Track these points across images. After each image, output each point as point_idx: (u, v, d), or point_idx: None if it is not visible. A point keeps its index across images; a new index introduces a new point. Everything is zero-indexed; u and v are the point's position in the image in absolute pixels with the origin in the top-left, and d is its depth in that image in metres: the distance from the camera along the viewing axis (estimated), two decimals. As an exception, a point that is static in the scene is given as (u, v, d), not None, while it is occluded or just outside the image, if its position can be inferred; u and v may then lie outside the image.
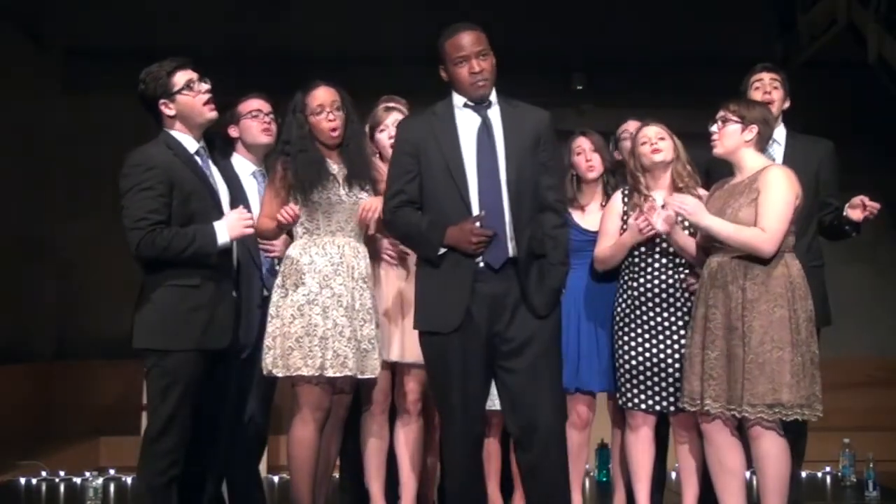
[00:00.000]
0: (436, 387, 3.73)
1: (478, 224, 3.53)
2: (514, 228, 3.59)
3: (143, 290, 3.65)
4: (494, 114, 3.68)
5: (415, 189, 3.66)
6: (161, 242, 3.54)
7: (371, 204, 3.88)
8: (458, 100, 3.70)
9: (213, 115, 3.74)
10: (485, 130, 3.65)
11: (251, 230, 3.70)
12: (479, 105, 3.67)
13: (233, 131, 4.31)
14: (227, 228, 3.62)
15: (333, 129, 3.92)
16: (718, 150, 3.94)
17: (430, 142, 3.65)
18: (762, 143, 3.95)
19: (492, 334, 3.59)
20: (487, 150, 3.63)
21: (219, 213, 3.69)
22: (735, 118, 3.88)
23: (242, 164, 4.31)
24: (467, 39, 3.62)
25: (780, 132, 4.41)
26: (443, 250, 3.58)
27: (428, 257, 3.66)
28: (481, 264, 3.59)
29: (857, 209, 4.15)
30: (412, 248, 3.86)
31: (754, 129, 3.88)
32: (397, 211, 3.69)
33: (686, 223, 4.03)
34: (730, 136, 3.90)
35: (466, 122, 3.67)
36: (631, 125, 4.50)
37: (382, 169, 4.06)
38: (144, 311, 3.61)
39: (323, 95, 3.92)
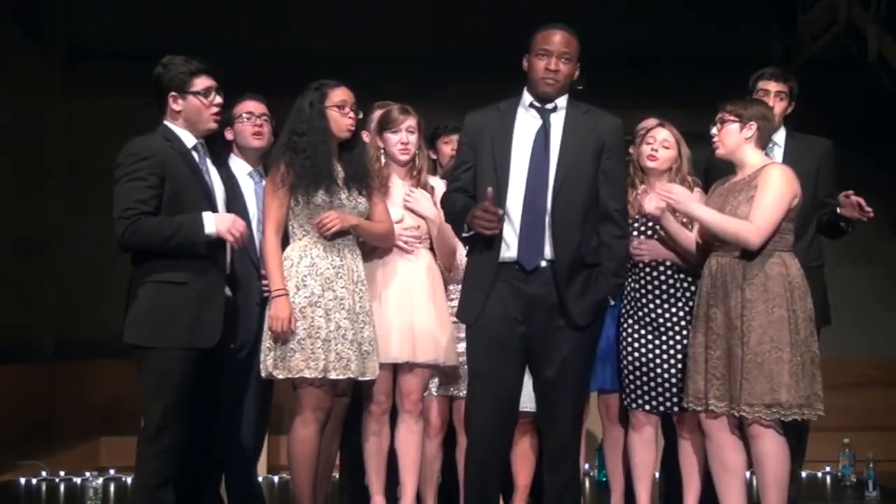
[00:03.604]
0: (468, 381, 3.80)
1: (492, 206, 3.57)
2: (554, 233, 3.61)
3: (131, 284, 3.65)
4: (558, 118, 3.71)
5: (469, 179, 3.74)
6: (145, 230, 3.53)
7: (331, 216, 3.84)
8: (525, 98, 3.74)
9: (215, 126, 3.79)
10: (543, 134, 3.68)
11: (240, 235, 3.64)
12: (544, 107, 3.70)
13: (228, 133, 4.32)
14: (216, 221, 3.60)
15: (350, 127, 3.95)
16: (720, 150, 3.95)
17: (486, 136, 3.71)
18: (763, 140, 3.96)
19: (527, 335, 3.64)
20: (541, 154, 3.66)
21: (211, 208, 3.69)
22: (732, 118, 3.89)
23: (239, 165, 4.32)
24: (558, 38, 3.68)
25: (779, 134, 4.42)
26: (468, 234, 3.66)
27: (459, 238, 3.80)
28: (512, 264, 3.62)
29: (848, 208, 4.15)
30: (454, 230, 3.93)
31: (753, 126, 3.89)
32: (447, 195, 3.82)
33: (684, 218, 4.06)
34: (729, 136, 3.91)
35: (526, 123, 3.71)
36: (650, 123, 4.49)
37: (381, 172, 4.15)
38: (132, 306, 3.61)
39: (345, 93, 3.96)
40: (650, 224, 4.15)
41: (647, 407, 4.15)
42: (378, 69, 6.88)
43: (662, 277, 4.15)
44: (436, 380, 4.24)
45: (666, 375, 4.12)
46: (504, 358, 3.66)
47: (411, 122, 4.19)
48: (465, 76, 7.60)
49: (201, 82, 3.71)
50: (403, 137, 4.17)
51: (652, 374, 4.14)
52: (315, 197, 3.85)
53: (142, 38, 7.46)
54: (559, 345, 3.63)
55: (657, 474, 4.43)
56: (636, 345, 4.17)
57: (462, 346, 4.18)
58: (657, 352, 4.14)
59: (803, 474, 4.79)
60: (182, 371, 3.57)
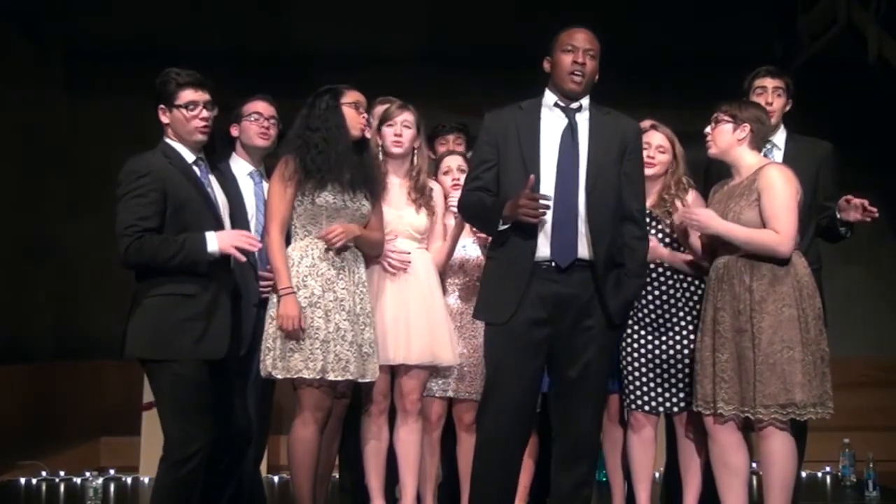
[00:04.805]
0: (486, 381, 3.76)
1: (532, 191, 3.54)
2: (591, 233, 3.61)
3: (136, 297, 3.62)
4: (583, 118, 3.71)
5: (491, 178, 3.71)
6: (148, 249, 3.52)
7: (336, 231, 3.83)
8: (548, 98, 3.74)
9: (203, 138, 3.72)
10: (569, 133, 3.68)
11: (250, 247, 3.63)
12: (569, 107, 3.70)
13: (234, 130, 4.34)
14: (219, 240, 3.58)
15: (363, 126, 3.96)
16: (712, 150, 3.97)
17: (511, 135, 3.69)
18: (757, 142, 3.95)
19: (552, 335, 3.63)
20: (569, 153, 3.65)
21: (216, 223, 3.68)
22: (727, 118, 3.90)
23: (240, 164, 4.33)
24: (582, 35, 3.73)
25: (780, 136, 4.42)
26: (504, 227, 3.61)
27: (491, 233, 3.73)
28: (545, 263, 3.61)
29: (850, 211, 4.12)
30: (479, 226, 3.93)
31: (746, 127, 3.90)
32: (468, 194, 3.76)
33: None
34: (722, 136, 3.92)
35: (552, 122, 3.70)
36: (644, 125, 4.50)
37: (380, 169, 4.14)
38: (138, 319, 3.58)
39: (358, 94, 3.98)
40: (651, 225, 4.15)
41: (647, 408, 4.16)
42: (378, 69, 6.87)
43: (662, 279, 4.15)
44: (433, 381, 4.23)
45: (665, 376, 4.13)
46: (528, 359, 3.64)
47: (407, 116, 4.20)
48: (464, 76, 7.60)
49: (186, 96, 3.66)
50: (397, 129, 4.18)
51: (651, 375, 4.14)
52: (319, 197, 3.85)
53: (142, 38, 7.47)
54: (585, 345, 3.64)
55: (657, 474, 4.44)
56: (636, 345, 4.17)
57: (461, 349, 4.19)
58: (657, 352, 4.14)
59: (803, 474, 4.78)
60: (196, 378, 3.55)
